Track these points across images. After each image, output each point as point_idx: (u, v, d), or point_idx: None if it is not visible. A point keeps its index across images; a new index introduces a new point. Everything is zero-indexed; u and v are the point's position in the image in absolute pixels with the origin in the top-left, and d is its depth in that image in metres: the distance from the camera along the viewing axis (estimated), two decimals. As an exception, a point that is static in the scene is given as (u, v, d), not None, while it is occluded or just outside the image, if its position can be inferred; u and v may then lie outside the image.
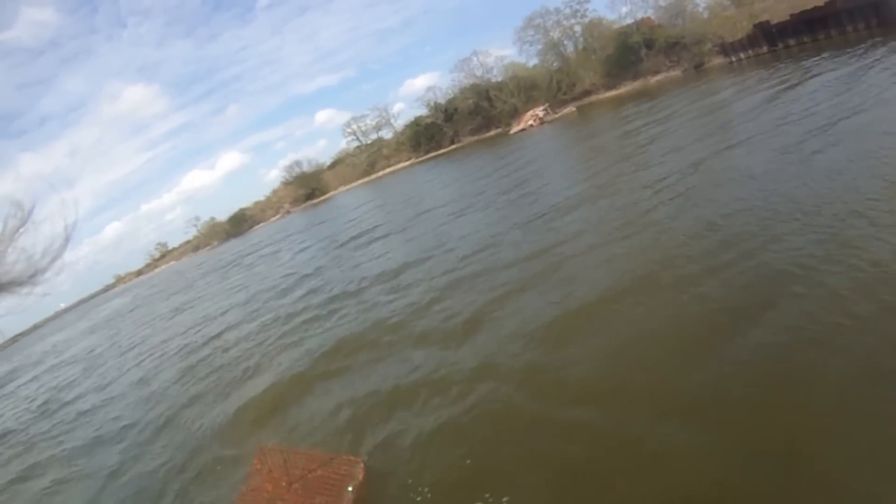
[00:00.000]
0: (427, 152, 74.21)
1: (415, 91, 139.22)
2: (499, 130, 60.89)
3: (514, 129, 54.90)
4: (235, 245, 74.06)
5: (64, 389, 22.51)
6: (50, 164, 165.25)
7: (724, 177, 12.57)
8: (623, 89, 51.55)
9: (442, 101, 72.31)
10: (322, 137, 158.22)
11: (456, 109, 69.38)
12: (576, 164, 25.28)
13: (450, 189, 33.13)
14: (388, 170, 79.41)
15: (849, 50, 23.91)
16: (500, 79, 65.06)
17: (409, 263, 16.58)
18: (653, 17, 53.05)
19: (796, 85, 20.72)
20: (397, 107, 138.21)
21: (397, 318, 11.88)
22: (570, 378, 7.01)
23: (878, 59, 19.42)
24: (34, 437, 16.38)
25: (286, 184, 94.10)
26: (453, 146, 69.79)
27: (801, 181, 10.13)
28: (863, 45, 23.89)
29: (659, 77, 49.32)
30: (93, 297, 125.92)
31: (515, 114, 58.99)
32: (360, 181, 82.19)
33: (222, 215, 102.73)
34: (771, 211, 9.35)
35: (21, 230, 1.64)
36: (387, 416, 7.90)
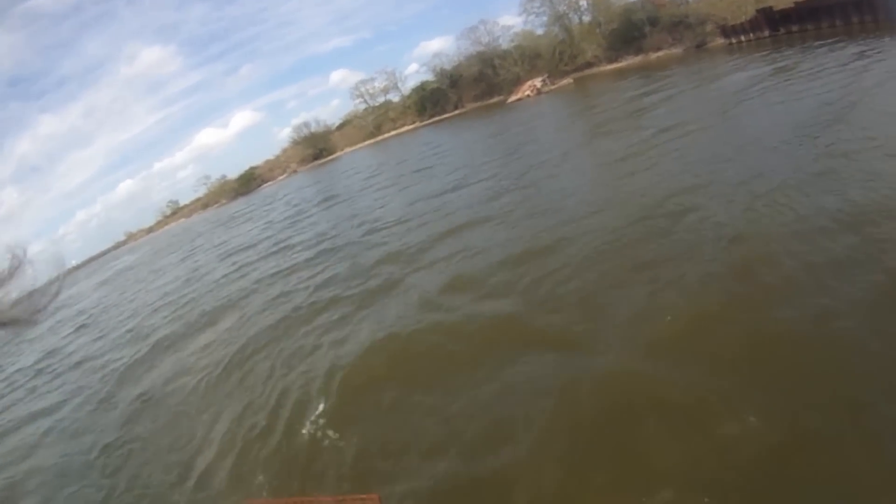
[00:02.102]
0: (431, 116, 74.84)
1: (430, 53, 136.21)
2: (500, 98, 61.15)
3: (512, 98, 55.83)
4: (242, 203, 77.06)
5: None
6: (66, 125, 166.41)
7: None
8: (624, 63, 51.37)
9: (448, 67, 72.46)
10: (336, 97, 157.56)
11: (461, 76, 69.64)
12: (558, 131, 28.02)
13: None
14: (393, 132, 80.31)
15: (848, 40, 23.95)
16: (505, 47, 65.20)
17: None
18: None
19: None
20: (411, 68, 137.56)
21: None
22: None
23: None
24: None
25: (295, 144, 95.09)
26: (457, 111, 70.39)
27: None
28: (867, 37, 23.61)
29: (660, 53, 49.28)
30: (104, 254, 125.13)
31: (518, 82, 59.12)
32: (366, 142, 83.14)
33: (234, 173, 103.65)
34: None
35: (17, 273, 1.66)
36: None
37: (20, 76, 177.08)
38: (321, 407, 8.28)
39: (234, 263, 25.87)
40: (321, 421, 7.89)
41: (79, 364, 19.90)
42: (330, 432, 7.46)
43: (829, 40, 25.74)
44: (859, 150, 10.13)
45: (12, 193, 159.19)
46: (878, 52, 19.10)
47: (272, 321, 13.68)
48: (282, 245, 24.78)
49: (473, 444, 6.10)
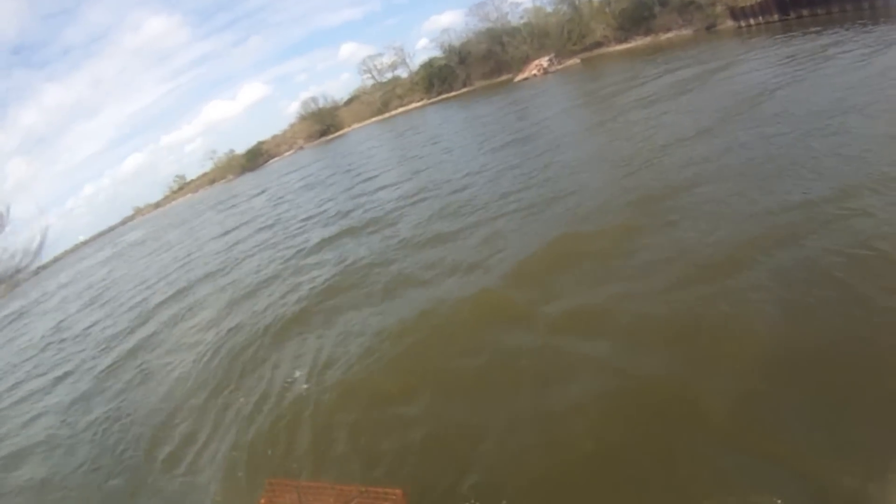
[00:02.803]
0: (439, 94, 74.47)
1: (440, 27, 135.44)
2: (509, 76, 60.67)
3: (519, 77, 55.61)
4: (249, 179, 78.40)
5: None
6: (72, 95, 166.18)
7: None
8: (633, 43, 50.54)
9: (457, 43, 71.83)
10: (345, 71, 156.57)
11: (469, 53, 69.03)
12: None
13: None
14: (400, 109, 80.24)
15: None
16: (514, 24, 64.42)
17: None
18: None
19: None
20: (421, 42, 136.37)
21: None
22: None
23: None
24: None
25: (302, 119, 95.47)
26: (465, 89, 70.05)
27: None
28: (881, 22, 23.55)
29: (670, 35, 48.69)
30: (111, 229, 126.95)
31: (527, 60, 58.58)
32: (374, 119, 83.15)
33: (242, 147, 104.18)
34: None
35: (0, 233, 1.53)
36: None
37: (23, 44, 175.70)
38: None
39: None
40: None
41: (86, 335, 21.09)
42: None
43: (842, 26, 25.40)
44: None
45: (20, 165, 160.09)
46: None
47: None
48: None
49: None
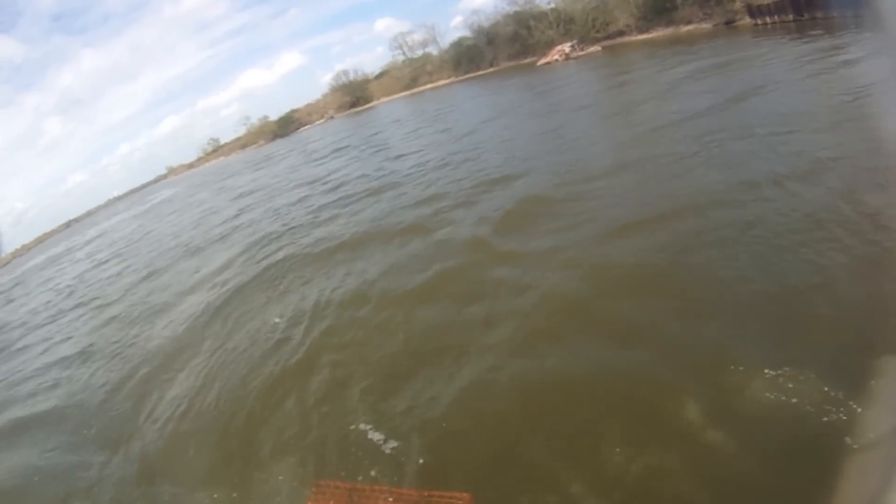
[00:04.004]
0: (466, 72, 76.19)
1: (475, 5, 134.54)
2: (533, 59, 61.96)
3: (541, 60, 57.10)
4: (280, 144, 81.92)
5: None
6: (111, 60, 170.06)
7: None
8: (654, 34, 51.17)
9: (485, 25, 73.49)
10: (379, 45, 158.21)
11: (497, 34, 70.48)
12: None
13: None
14: (428, 85, 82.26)
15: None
16: (541, 9, 65.62)
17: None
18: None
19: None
20: (456, 20, 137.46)
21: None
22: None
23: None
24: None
25: (333, 91, 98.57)
26: (491, 69, 71.66)
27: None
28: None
29: (690, 27, 49.55)
30: (144, 186, 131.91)
31: (552, 44, 59.77)
32: (402, 94, 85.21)
33: (277, 114, 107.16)
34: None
35: None
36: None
37: (63, 11, 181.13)
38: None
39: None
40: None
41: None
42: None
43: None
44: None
45: (55, 124, 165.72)
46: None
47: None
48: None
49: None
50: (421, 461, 6.15)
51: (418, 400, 7.39)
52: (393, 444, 6.64)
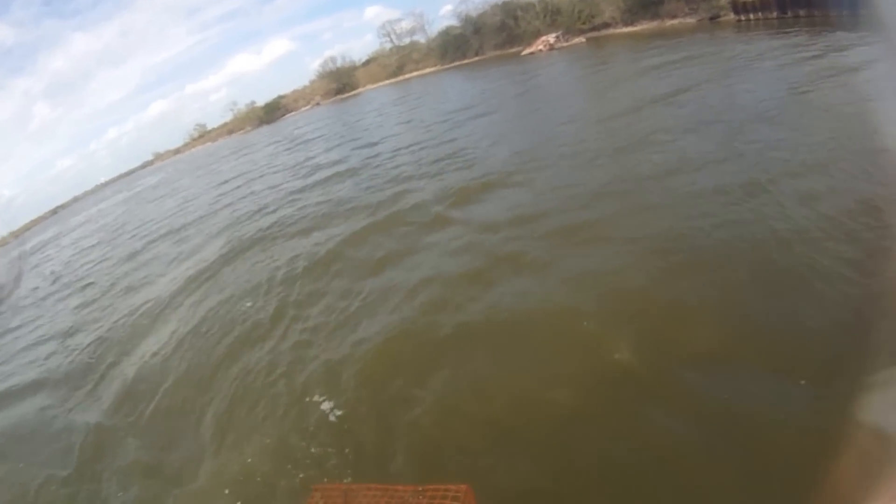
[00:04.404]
0: (452, 61, 76.20)
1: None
2: (519, 48, 62.14)
3: (526, 50, 57.41)
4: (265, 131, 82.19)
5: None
6: (101, 44, 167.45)
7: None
8: (639, 27, 51.58)
9: (473, 14, 73.22)
10: (369, 32, 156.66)
11: (484, 23, 70.41)
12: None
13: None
14: (415, 73, 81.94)
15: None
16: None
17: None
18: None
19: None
20: (446, 8, 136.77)
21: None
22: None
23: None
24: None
25: (320, 77, 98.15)
26: (476, 58, 71.77)
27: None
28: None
29: (675, 21, 49.75)
30: (131, 172, 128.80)
31: (538, 35, 59.79)
32: (388, 81, 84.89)
33: (265, 99, 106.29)
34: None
35: None
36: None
37: None
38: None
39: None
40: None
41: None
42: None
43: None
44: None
45: (44, 108, 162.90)
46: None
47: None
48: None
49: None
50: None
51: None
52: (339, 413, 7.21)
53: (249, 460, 6.85)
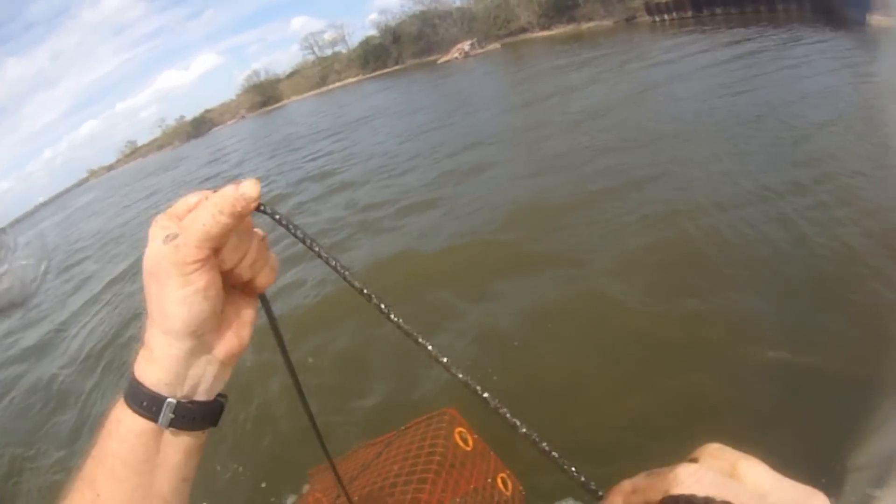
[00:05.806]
0: (374, 70, 75.05)
1: (384, 4, 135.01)
2: (437, 56, 60.86)
3: (442, 58, 55.62)
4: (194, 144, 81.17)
5: None
6: (34, 67, 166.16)
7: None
8: (556, 31, 50.04)
9: (392, 23, 72.52)
10: (295, 43, 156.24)
11: (403, 33, 69.58)
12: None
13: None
14: (338, 84, 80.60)
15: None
16: (446, 8, 64.66)
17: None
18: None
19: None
20: (371, 17, 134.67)
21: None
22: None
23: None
24: None
25: (245, 91, 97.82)
26: (397, 66, 70.65)
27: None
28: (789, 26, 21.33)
29: (591, 24, 48.76)
30: (68, 190, 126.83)
31: (455, 42, 58.50)
32: (312, 92, 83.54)
33: (194, 114, 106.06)
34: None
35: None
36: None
37: None
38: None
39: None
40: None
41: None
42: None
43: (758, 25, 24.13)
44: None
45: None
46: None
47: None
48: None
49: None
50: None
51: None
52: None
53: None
